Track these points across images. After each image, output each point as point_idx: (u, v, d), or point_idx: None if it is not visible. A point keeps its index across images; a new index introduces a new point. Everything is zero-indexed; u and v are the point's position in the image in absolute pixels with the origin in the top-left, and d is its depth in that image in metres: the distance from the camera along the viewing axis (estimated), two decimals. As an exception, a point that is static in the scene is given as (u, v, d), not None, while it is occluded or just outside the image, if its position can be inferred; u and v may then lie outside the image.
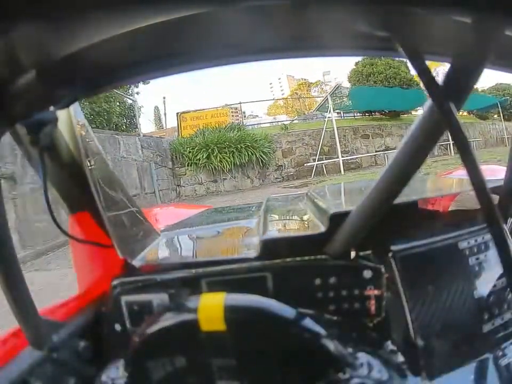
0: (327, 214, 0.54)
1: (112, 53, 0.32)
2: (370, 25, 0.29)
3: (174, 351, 0.45)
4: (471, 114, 15.08)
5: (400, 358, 0.47)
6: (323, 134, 9.21)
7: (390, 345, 0.49)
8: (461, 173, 1.05)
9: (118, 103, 9.51)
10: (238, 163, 8.26)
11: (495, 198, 0.57)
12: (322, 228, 0.55)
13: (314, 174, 8.90)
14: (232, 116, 12.38)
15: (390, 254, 0.51)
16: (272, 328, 0.42)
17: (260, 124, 13.30)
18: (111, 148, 5.68)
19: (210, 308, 0.42)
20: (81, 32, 0.26)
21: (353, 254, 0.53)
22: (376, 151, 9.97)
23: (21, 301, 0.41)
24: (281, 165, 9.16)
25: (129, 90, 9.17)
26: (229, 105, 12.39)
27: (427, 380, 0.45)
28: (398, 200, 0.43)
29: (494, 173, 0.89)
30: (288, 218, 0.81)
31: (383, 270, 0.51)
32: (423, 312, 0.48)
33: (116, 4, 0.21)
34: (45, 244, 3.85)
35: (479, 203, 0.29)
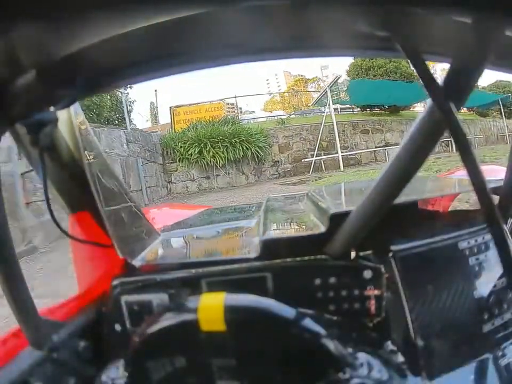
0: (327, 214, 0.54)
1: (112, 53, 0.32)
2: (370, 25, 0.29)
3: (174, 351, 0.45)
4: (472, 111, 15.06)
5: (400, 358, 0.47)
6: (321, 128, 8.94)
7: (390, 345, 0.49)
8: (462, 173, 1.05)
9: (109, 97, 9.13)
10: (232, 158, 7.88)
11: (495, 198, 0.57)
12: (322, 228, 0.55)
13: (312, 170, 8.64)
14: (228, 111, 12.18)
15: (390, 254, 0.51)
16: (272, 328, 0.42)
17: (256, 118, 12.73)
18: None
19: (210, 308, 0.42)
20: (81, 32, 0.26)
21: (353, 254, 0.53)
22: (376, 147, 9.74)
23: (21, 301, 0.41)
24: (278, 161, 8.84)
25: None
26: (224, 99, 12.02)
27: (427, 380, 0.45)
28: (398, 200, 0.43)
29: (494, 173, 0.89)
30: (288, 218, 0.81)
31: (383, 270, 0.51)
32: (423, 312, 0.49)
33: (115, 4, 0.21)
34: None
35: (479, 203, 0.29)
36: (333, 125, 8.84)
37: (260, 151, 8.20)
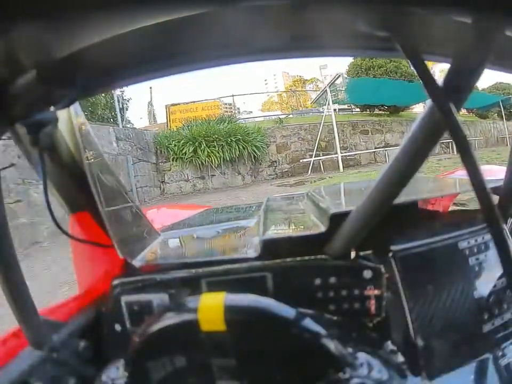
0: (327, 214, 0.54)
1: (112, 53, 0.32)
2: (370, 25, 0.29)
3: (174, 351, 0.45)
4: (471, 113, 15.03)
5: (400, 358, 0.47)
6: (321, 128, 8.67)
7: (390, 345, 0.49)
8: (462, 173, 1.05)
9: (103, 95, 8.95)
10: (228, 158, 7.51)
11: (495, 198, 0.57)
12: (322, 228, 0.55)
13: (311, 171, 8.35)
14: (226, 111, 12.00)
15: (390, 254, 0.51)
16: (272, 328, 0.42)
17: (254, 117, 12.23)
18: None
19: (210, 308, 0.42)
20: (81, 32, 0.26)
21: (353, 254, 0.53)
22: (375, 148, 9.55)
23: (21, 301, 0.41)
24: (275, 161, 8.50)
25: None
26: (221, 97, 11.78)
27: (427, 380, 0.45)
28: (398, 200, 0.43)
29: (494, 173, 0.89)
30: (288, 218, 0.81)
31: (383, 270, 0.51)
32: (423, 312, 0.49)
33: (115, 3, 0.21)
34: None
35: (479, 203, 0.29)
36: (332, 124, 8.61)
37: (256, 150, 7.88)
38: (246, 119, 10.94)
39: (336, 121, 8.70)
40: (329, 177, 7.29)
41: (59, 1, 0.20)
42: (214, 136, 7.46)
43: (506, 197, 0.58)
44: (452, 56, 0.31)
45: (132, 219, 0.66)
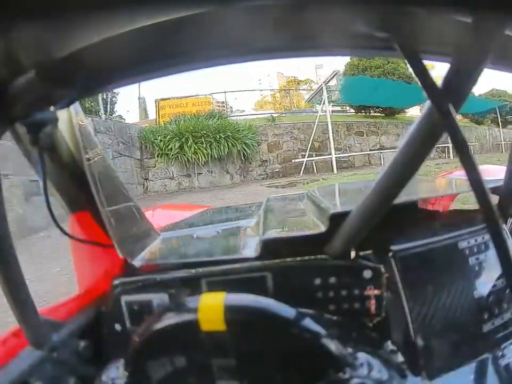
0: (327, 214, 0.54)
1: (112, 53, 0.32)
2: (369, 25, 0.30)
3: (174, 351, 0.45)
4: (467, 119, 14.93)
5: (400, 358, 0.47)
6: (315, 127, 8.22)
7: (390, 345, 0.49)
8: (461, 173, 1.05)
9: None
10: (216, 155, 6.99)
11: (495, 198, 0.57)
12: (322, 228, 0.55)
13: (303, 172, 7.93)
14: (218, 109, 11.59)
15: (390, 254, 0.51)
16: (272, 328, 0.42)
17: (246, 115, 11.39)
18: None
19: (210, 308, 0.42)
20: (81, 32, 0.26)
21: (353, 254, 0.53)
22: (370, 150, 9.21)
23: (21, 301, 0.41)
24: (266, 160, 8.03)
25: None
26: (212, 93, 11.14)
27: (427, 380, 0.45)
28: (398, 200, 0.43)
29: (490, 173, 0.89)
30: (288, 218, 0.81)
31: (383, 270, 0.51)
32: (423, 312, 0.49)
33: (115, 3, 0.21)
34: None
35: (478, 204, 0.29)
36: (326, 124, 8.27)
37: (247, 148, 7.38)
38: (238, 116, 10.42)
39: (331, 121, 8.37)
40: (323, 178, 6.89)
41: (59, 1, 0.20)
42: (202, 132, 6.98)
43: (505, 197, 0.58)
44: (452, 56, 0.31)
45: (132, 219, 0.66)
